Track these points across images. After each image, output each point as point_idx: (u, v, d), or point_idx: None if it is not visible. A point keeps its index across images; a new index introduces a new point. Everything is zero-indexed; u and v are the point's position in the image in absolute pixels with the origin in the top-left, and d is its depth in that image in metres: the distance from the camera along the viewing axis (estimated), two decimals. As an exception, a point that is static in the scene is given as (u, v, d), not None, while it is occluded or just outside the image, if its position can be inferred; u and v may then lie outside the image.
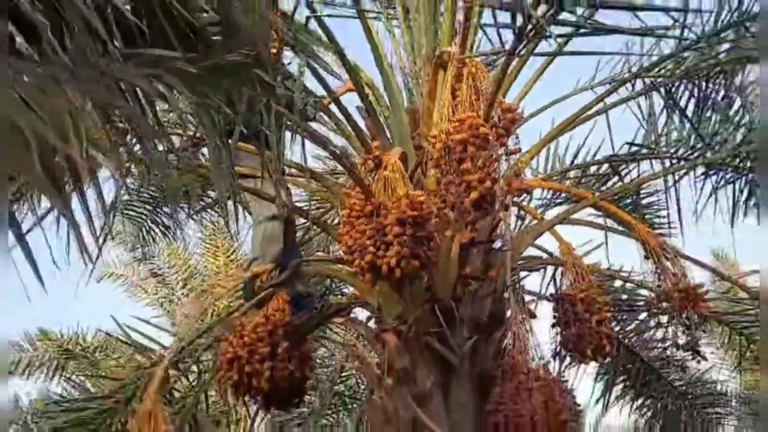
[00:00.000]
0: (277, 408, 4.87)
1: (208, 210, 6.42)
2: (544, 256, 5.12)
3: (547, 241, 4.97)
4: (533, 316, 4.55)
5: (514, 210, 4.92)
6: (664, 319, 4.78)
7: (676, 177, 5.23)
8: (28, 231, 2.22)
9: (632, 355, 6.20)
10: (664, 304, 4.64)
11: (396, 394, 4.38)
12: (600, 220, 5.24)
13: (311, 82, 4.05)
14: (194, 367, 5.28)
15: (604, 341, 4.45)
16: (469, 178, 3.73)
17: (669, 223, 5.74)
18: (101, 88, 1.79)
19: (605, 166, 5.70)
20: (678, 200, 5.31)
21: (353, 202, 3.97)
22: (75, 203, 2.18)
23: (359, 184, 4.04)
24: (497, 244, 4.67)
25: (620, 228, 5.06)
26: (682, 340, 4.65)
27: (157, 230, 6.49)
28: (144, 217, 6.38)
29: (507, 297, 4.46)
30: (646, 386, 6.37)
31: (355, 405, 7.01)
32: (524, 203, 5.29)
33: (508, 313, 4.43)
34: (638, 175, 5.53)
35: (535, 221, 5.16)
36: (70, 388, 5.99)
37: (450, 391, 4.33)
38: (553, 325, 4.61)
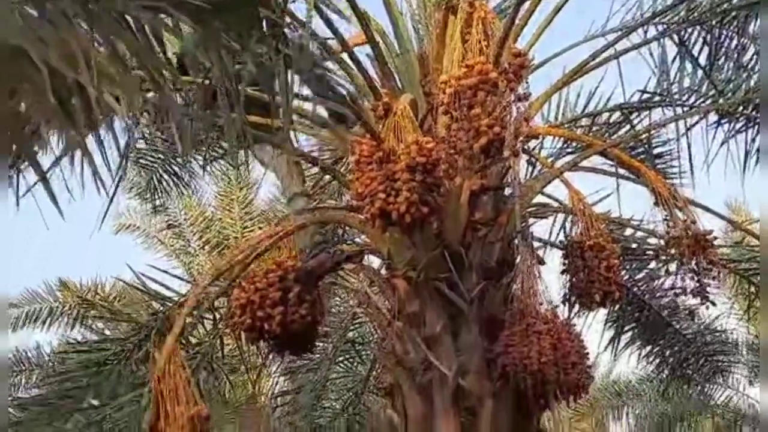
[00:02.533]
0: (290, 352, 4.97)
1: (221, 160, 6.45)
2: (554, 204, 5.14)
3: (557, 188, 4.99)
4: (542, 262, 4.59)
5: (524, 157, 4.93)
6: (673, 267, 4.78)
7: (688, 125, 5.20)
8: (48, 170, 2.28)
9: (641, 304, 6.25)
10: (674, 251, 4.65)
11: (406, 337, 4.47)
12: (611, 170, 5.22)
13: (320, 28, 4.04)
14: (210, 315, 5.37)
15: (613, 287, 4.48)
16: (478, 123, 3.74)
17: (681, 172, 5.72)
18: (109, 23, 1.82)
19: (617, 114, 5.67)
20: (690, 148, 5.29)
21: (363, 149, 3.99)
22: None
23: (369, 130, 4.06)
24: (507, 191, 4.69)
25: (631, 176, 5.05)
26: (690, 286, 4.66)
27: (169, 180, 6.53)
28: (156, 166, 6.42)
29: (516, 243, 4.50)
30: (655, 334, 6.42)
31: (367, 352, 7.12)
32: (535, 152, 5.29)
33: (518, 259, 4.47)
34: (650, 124, 5.50)
35: (546, 169, 5.16)
36: (89, 336, 6.10)
37: (459, 334, 4.40)
38: (563, 272, 4.65)
